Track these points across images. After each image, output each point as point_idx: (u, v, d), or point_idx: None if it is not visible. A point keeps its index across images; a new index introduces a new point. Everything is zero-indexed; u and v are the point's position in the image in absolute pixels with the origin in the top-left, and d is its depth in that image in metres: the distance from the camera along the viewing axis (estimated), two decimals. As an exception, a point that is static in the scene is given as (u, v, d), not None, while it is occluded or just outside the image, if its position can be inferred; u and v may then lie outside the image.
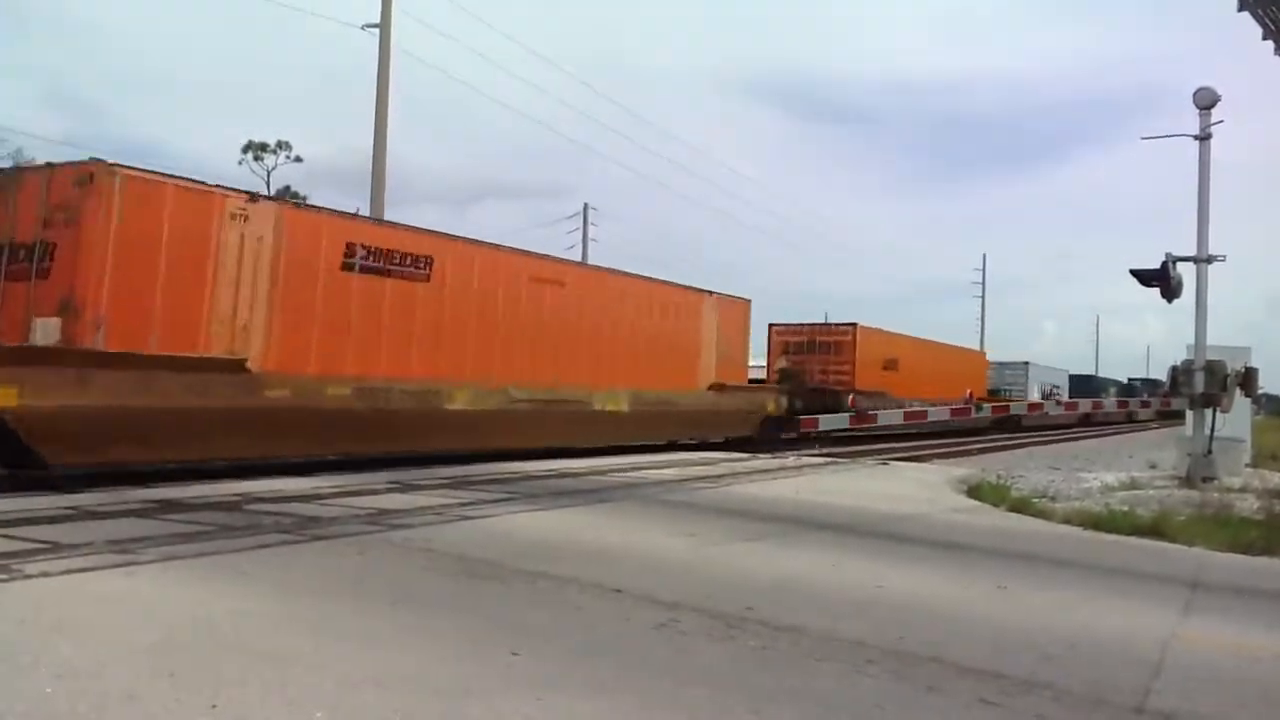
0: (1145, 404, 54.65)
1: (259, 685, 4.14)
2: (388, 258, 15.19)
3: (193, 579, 6.21)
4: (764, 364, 32.65)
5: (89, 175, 11.58)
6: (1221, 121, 17.21)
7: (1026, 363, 52.26)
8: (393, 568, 7.01)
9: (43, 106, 79.64)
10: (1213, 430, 16.87)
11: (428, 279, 15.81)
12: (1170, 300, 17.29)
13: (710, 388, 23.16)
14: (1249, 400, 19.97)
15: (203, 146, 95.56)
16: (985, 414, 37.00)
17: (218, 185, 13.25)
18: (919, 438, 32.86)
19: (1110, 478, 17.41)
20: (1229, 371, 17.12)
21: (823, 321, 35.55)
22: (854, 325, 33.13)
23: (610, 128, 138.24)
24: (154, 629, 4.91)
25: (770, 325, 33.45)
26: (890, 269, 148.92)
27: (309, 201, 47.95)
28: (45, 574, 6.04)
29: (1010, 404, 40.51)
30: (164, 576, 6.25)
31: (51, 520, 8.15)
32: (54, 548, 6.88)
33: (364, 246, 14.74)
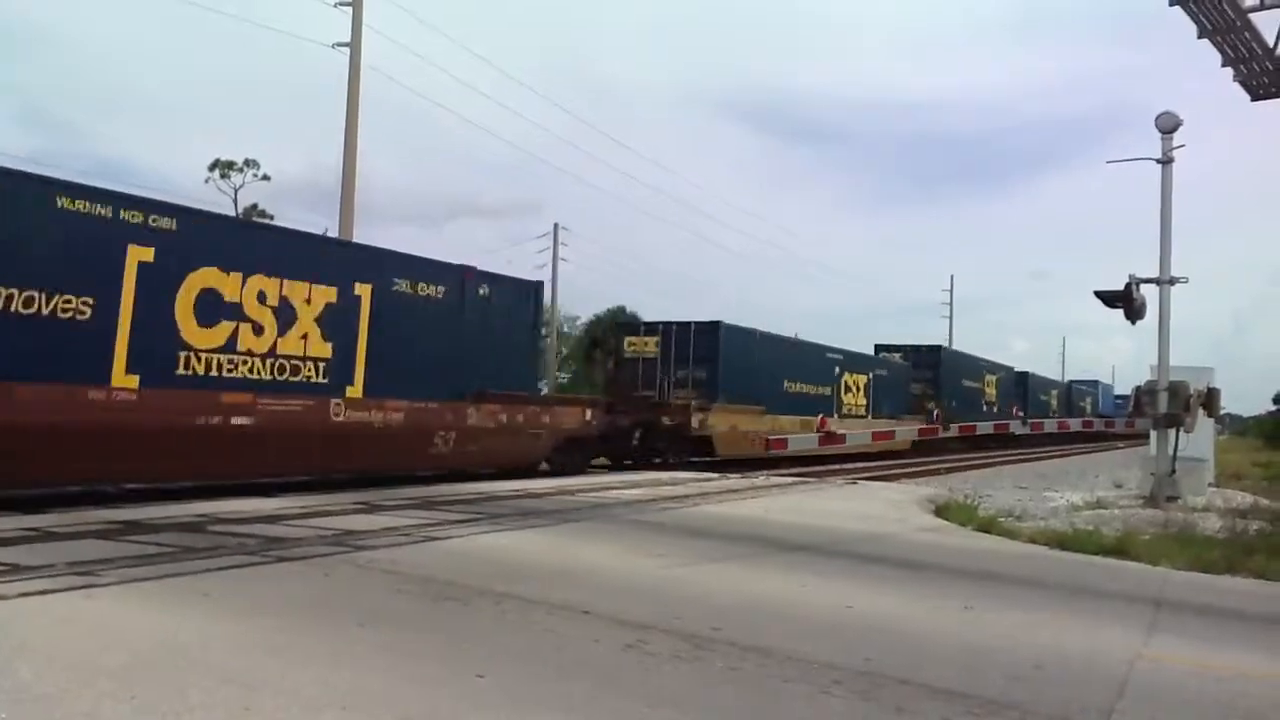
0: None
1: (223, 709, 4.09)
2: None
3: (156, 601, 6.13)
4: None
5: None
6: (1183, 145, 17.48)
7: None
8: (358, 589, 6.95)
9: (15, 125, 78.86)
10: (1176, 450, 17.06)
11: None
12: (1134, 321, 17.49)
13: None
14: (1212, 420, 20.20)
15: (171, 164, 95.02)
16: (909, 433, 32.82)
17: None
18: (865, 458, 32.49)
19: (1076, 497, 17.58)
20: (1192, 392, 17.32)
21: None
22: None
23: (582, 148, 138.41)
24: (116, 652, 4.84)
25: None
26: (863, 287, 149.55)
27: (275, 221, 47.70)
28: (3, 596, 5.95)
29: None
30: (126, 598, 6.18)
31: (11, 542, 8.04)
32: (13, 569, 6.78)
33: None
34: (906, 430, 30.51)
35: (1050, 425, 44.33)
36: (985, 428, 35.85)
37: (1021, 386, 57.99)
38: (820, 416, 30.56)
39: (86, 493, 11.52)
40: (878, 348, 42.49)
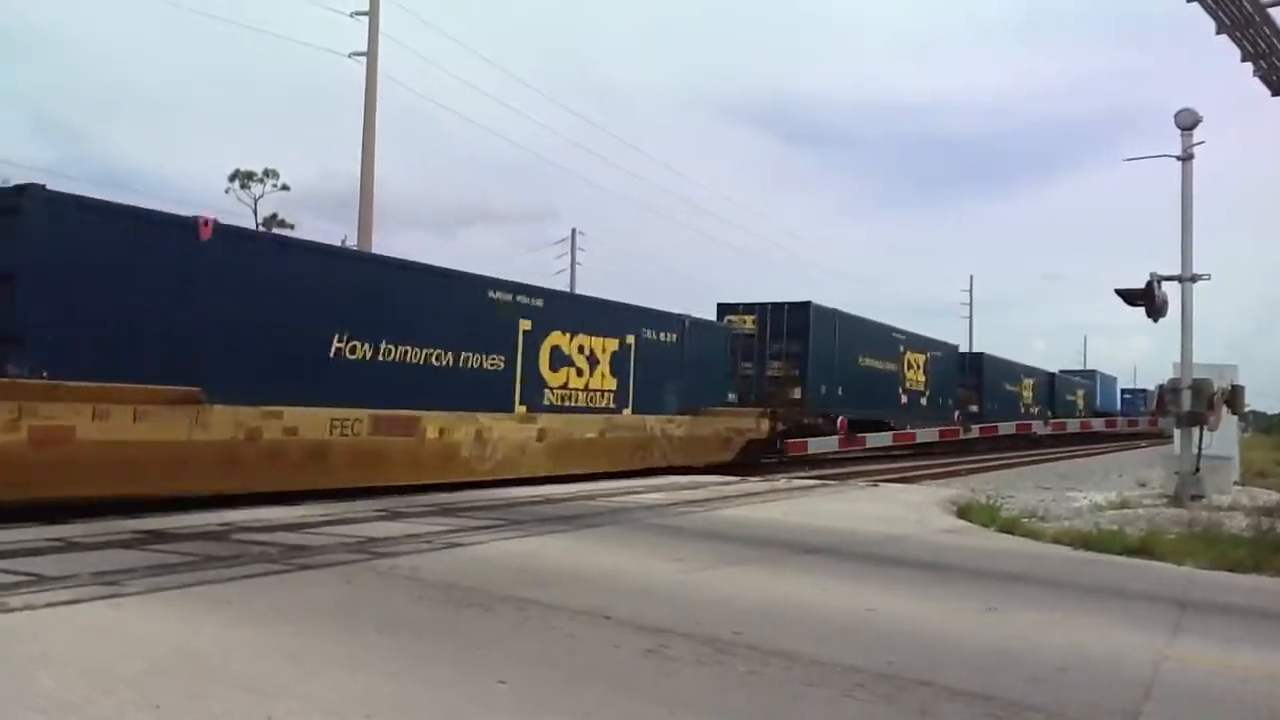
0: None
1: (245, 717, 4.10)
2: None
3: (178, 610, 6.16)
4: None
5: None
6: (1203, 142, 17.36)
7: None
8: (380, 597, 6.97)
9: (29, 134, 79.29)
10: (1200, 449, 16.92)
11: None
12: (1155, 319, 17.36)
13: None
14: (1236, 418, 20.02)
15: (191, 174, 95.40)
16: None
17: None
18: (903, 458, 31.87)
19: (1099, 497, 17.44)
20: (1215, 390, 17.17)
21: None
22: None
23: (595, 152, 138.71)
24: (139, 661, 4.87)
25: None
26: (870, 289, 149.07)
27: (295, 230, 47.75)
28: (29, 606, 5.99)
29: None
30: (149, 608, 6.21)
31: (37, 552, 8.09)
32: (38, 580, 6.83)
33: None
34: (927, 433, 27.49)
35: (1073, 425, 43.38)
36: (1007, 428, 35.41)
37: (974, 373, 43.93)
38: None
39: (110, 502, 11.56)
40: (721, 307, 29.71)
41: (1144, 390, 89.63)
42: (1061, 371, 66.58)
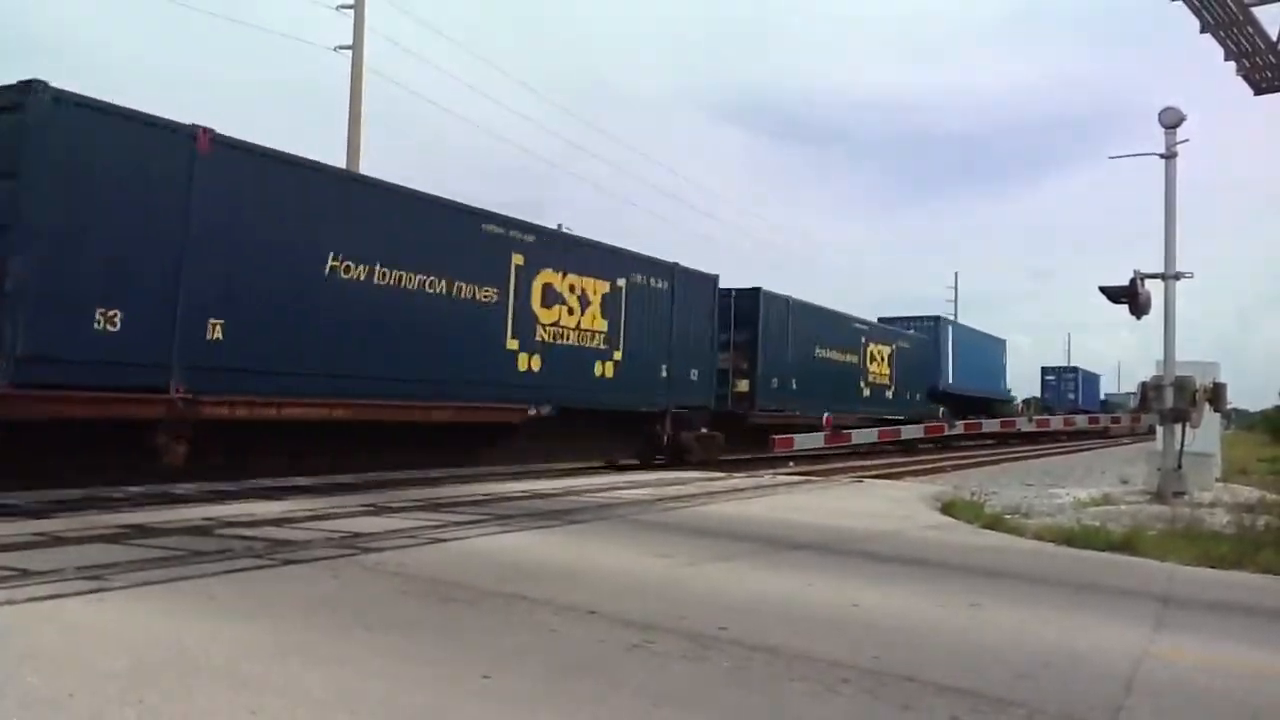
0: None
1: (230, 712, 4.10)
2: None
3: (163, 605, 6.14)
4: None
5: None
6: (1187, 140, 17.46)
7: None
8: (365, 591, 6.96)
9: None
10: (1183, 445, 17.02)
11: None
12: (1139, 316, 17.47)
13: None
14: (1218, 415, 20.14)
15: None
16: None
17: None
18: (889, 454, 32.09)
19: (1083, 493, 17.53)
20: (1198, 387, 17.28)
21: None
22: None
23: (583, 148, 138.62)
24: (123, 656, 4.85)
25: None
26: (866, 287, 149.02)
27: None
28: (11, 602, 5.96)
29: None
30: (134, 603, 6.19)
31: (19, 547, 8.04)
32: (21, 575, 6.79)
33: None
34: (912, 430, 29.78)
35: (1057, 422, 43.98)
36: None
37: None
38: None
39: (93, 497, 11.53)
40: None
41: (1074, 369, 68.83)
42: (882, 320, 38.28)
